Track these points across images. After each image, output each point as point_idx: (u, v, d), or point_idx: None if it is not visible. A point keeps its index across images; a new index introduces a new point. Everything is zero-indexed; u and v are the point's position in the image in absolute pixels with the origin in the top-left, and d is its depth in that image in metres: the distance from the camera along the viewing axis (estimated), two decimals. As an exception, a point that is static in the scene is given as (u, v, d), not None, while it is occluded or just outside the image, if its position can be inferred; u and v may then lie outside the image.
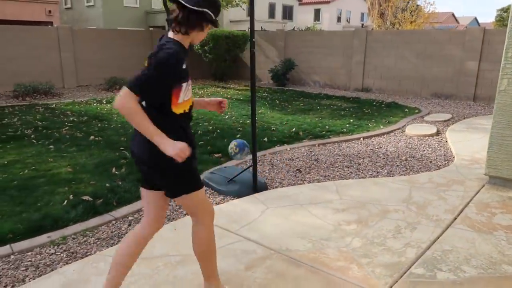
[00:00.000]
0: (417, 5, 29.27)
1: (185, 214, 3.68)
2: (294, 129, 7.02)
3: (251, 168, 4.37)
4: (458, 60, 10.69)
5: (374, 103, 10.12)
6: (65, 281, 2.56)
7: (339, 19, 41.87)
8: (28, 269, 2.81)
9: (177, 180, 2.08)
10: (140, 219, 3.59)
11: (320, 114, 8.55)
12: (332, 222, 3.44)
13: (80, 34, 12.85)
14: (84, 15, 24.25)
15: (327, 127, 7.20)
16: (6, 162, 5.00)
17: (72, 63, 12.58)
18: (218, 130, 6.82)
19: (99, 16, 23.06)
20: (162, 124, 1.96)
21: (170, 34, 2.02)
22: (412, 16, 28.51)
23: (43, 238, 3.19)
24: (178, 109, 2.05)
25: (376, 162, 5.33)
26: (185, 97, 2.07)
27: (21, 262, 2.89)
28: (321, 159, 5.41)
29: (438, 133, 6.92)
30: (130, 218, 3.61)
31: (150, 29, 17.70)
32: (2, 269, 2.81)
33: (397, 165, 5.19)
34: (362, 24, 39.75)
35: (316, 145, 6.10)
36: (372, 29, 23.21)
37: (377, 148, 6.01)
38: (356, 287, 2.54)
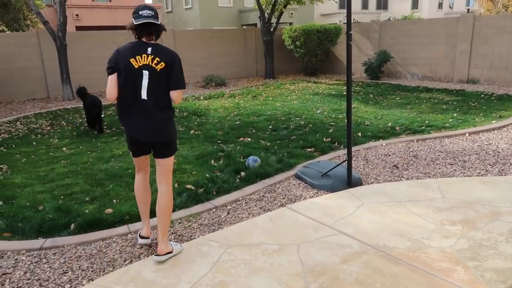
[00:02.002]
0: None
1: (279, 206, 3.79)
2: (390, 124, 6.72)
3: (344, 163, 4.32)
4: None
5: (482, 95, 9.20)
6: (174, 260, 2.82)
7: (440, 5, 38.66)
8: (142, 247, 3.15)
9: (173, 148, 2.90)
10: (237, 208, 3.79)
11: (419, 108, 8.05)
12: (434, 221, 3.25)
13: (180, 35, 13.80)
14: (183, 17, 25.92)
15: (426, 121, 6.76)
16: (121, 153, 5.62)
17: (173, 62, 13.59)
18: (310, 125, 6.83)
19: (196, 18, 24.45)
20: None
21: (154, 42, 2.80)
22: (530, -4, 25.15)
23: (153, 221, 3.51)
24: None
25: (485, 159, 4.87)
26: None
27: (137, 241, 3.24)
28: (421, 155, 5.11)
29: (562, 128, 6.07)
30: (228, 207, 3.82)
31: (243, 27, 18.28)
32: (122, 245, 3.19)
33: (511, 164, 4.68)
34: (468, 10, 36.22)
35: (415, 141, 5.77)
36: (480, 14, 21.03)
37: (486, 144, 5.48)
38: (462, 291, 2.38)
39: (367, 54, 13.71)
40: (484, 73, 11.11)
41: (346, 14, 4.10)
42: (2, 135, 7.04)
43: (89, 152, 5.72)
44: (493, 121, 6.67)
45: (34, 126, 7.72)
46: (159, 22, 2.71)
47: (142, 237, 3.14)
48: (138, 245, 3.18)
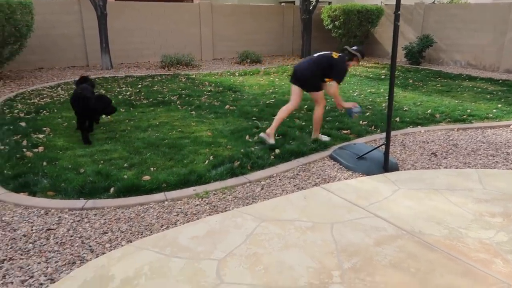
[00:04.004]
0: None
1: (313, 185, 3.79)
2: (429, 110, 6.51)
3: (381, 147, 4.24)
4: None
5: (530, 87, 8.74)
6: (209, 229, 2.89)
7: (490, -10, 36.48)
8: (178, 214, 3.25)
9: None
10: (271, 184, 3.82)
11: (460, 96, 7.75)
12: (473, 212, 3.17)
13: (217, 9, 13.70)
14: (221, -8, 25.69)
15: (468, 110, 6.51)
16: (158, 123, 5.73)
17: (209, 37, 13.56)
18: (346, 107, 6.71)
19: (234, -7, 24.18)
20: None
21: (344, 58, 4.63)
22: None
23: (189, 191, 3.62)
24: None
25: (530, 153, 4.67)
26: None
27: (173, 208, 3.34)
28: (461, 145, 4.95)
29: None
30: (262, 182, 3.85)
31: (282, 4, 17.93)
32: (159, 212, 3.29)
33: (558, 159, 4.47)
34: (520, -5, 33.94)
35: (455, 130, 5.58)
36: (534, 0, 19.66)
37: (532, 138, 5.24)
38: (500, 283, 2.33)
39: (408, 38, 13.21)
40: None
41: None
42: (45, 99, 7.31)
43: (126, 121, 5.86)
44: (541, 114, 6.34)
45: (75, 92, 7.95)
46: (350, 51, 4.64)
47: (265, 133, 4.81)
48: (174, 212, 3.28)
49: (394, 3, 3.88)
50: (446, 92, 8.12)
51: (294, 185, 3.79)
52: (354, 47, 4.66)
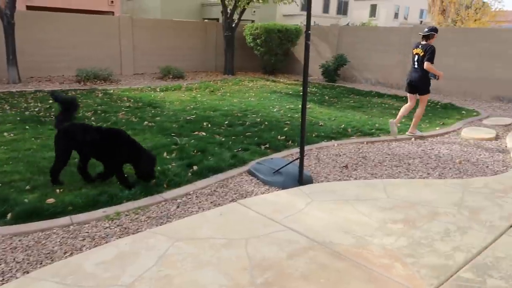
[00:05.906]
0: (483, 2, 27.41)
1: (230, 201, 3.78)
2: (342, 125, 6.92)
3: (297, 161, 4.38)
4: (526, 61, 9.96)
5: (429, 103, 9.69)
6: (118, 253, 2.74)
7: (396, 16, 40.38)
8: (85, 239, 3.03)
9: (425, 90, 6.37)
10: (187, 202, 3.74)
11: (370, 112, 8.36)
12: (378, 220, 3.38)
13: (138, 23, 13.36)
14: (143, 5, 25.18)
15: (377, 125, 7.03)
16: (68, 141, 5.35)
17: (130, 51, 13.14)
18: (265, 123, 6.88)
19: (157, 7, 23.83)
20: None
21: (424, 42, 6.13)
22: (477, 14, 26.83)
23: (99, 213, 3.41)
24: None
25: (427, 163, 5.14)
26: None
27: (79, 233, 3.12)
28: (369, 157, 5.31)
29: (497, 137, 6.54)
30: (178, 200, 3.76)
31: (205, 20, 18.05)
32: (63, 237, 3.04)
33: (450, 168, 4.98)
34: (421, 21, 38.15)
35: (365, 143, 5.98)
36: (431, 26, 22.11)
37: (429, 149, 5.79)
38: (399, 286, 2.50)
39: (325, 57, 14.01)
40: (432, 83, 11.69)
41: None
42: None
43: (33, 139, 5.41)
44: (437, 128, 7.06)
45: (-27, 108, 7.17)
46: (425, 33, 6.09)
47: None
48: (80, 237, 3.05)
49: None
50: (358, 108, 8.71)
51: (211, 202, 3.75)
52: (426, 30, 6.06)
